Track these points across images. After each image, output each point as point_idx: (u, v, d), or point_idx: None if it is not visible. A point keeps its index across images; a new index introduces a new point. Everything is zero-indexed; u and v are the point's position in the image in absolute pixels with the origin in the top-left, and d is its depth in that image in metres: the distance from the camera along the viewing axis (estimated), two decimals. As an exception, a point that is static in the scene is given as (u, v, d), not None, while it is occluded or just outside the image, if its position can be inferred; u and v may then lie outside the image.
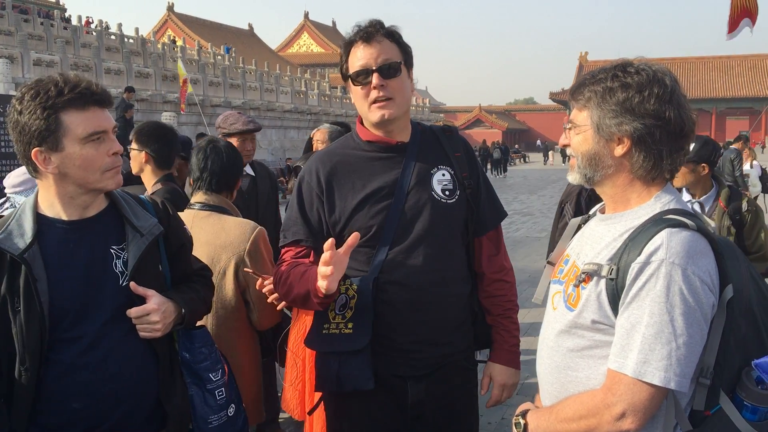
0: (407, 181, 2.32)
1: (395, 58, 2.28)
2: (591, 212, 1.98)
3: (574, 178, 1.84)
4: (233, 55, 46.21)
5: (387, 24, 2.35)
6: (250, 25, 75.04)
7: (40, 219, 1.98)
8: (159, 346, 2.08)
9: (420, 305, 2.30)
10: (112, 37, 34.62)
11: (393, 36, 2.31)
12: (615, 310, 1.64)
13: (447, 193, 2.36)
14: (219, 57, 42.92)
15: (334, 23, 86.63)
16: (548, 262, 2.04)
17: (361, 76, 2.27)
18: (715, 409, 1.60)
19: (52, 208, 2.00)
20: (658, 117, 1.68)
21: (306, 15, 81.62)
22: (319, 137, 5.22)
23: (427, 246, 2.30)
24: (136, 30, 40.10)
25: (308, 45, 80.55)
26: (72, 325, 1.95)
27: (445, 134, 2.48)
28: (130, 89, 18.68)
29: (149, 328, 2.01)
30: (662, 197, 1.73)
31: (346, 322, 2.29)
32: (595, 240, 1.78)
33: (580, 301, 1.70)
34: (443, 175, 2.38)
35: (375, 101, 2.28)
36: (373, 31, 2.27)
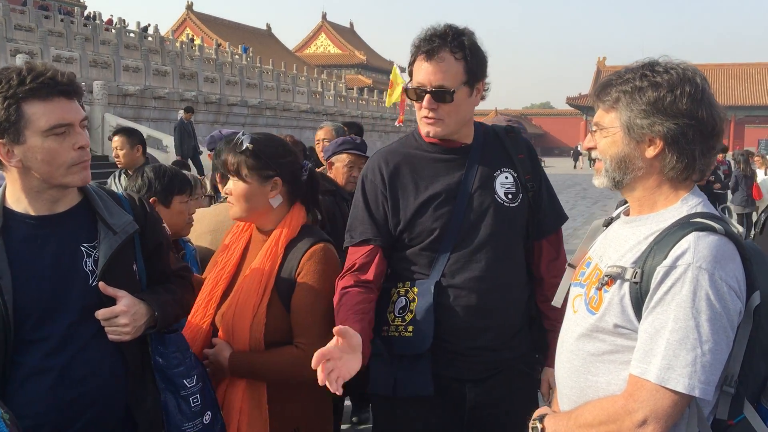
0: (470, 184, 2.29)
1: (452, 82, 2.20)
2: (614, 214, 1.93)
3: (601, 182, 1.79)
4: (251, 54, 46.42)
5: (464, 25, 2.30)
6: (267, 25, 75.37)
7: (6, 213, 1.88)
8: (129, 349, 1.97)
9: (481, 310, 2.27)
10: (131, 35, 34.86)
11: (462, 49, 2.22)
12: (638, 314, 1.60)
13: (510, 196, 2.33)
14: (236, 56, 43.12)
15: (351, 24, 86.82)
16: (569, 265, 1.99)
17: (417, 92, 2.26)
18: (739, 418, 1.56)
19: (19, 202, 1.89)
20: (691, 116, 1.63)
21: (324, 16, 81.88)
22: (324, 135, 5.12)
23: (489, 250, 2.27)
24: (155, 28, 40.36)
25: (325, 46, 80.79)
26: (37, 325, 1.85)
27: (508, 135, 2.44)
28: (189, 110, 18.61)
29: (117, 331, 1.89)
30: (689, 200, 1.69)
31: (405, 325, 2.26)
32: (620, 243, 1.74)
33: (603, 304, 1.66)
34: (506, 177, 2.34)
35: (424, 117, 2.27)
36: (438, 47, 2.20)
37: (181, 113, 17.79)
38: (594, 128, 1.78)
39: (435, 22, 2.28)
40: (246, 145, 2.29)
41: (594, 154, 1.80)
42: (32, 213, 1.88)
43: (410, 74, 2.32)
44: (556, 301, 2.01)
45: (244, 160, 2.29)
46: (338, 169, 4.11)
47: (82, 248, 1.91)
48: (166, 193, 3.01)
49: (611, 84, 1.73)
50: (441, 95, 2.22)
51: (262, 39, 69.60)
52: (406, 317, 2.26)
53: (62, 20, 31.85)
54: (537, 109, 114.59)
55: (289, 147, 2.39)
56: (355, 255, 2.34)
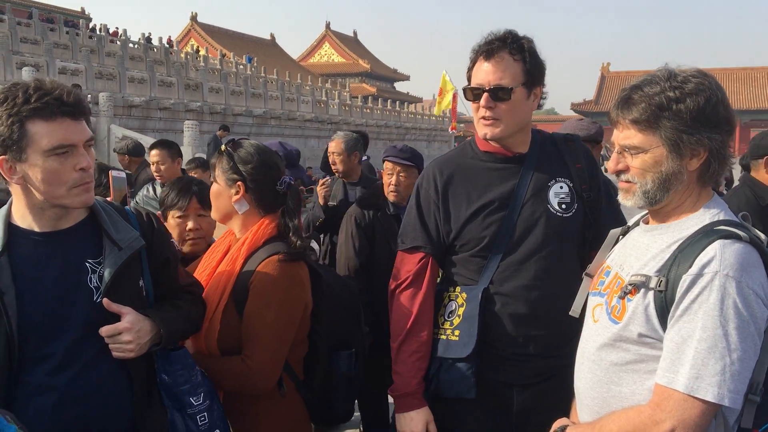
0: (523, 193, 2.31)
1: (510, 81, 2.22)
2: (631, 223, 1.92)
3: (635, 203, 1.74)
4: (255, 64, 46.56)
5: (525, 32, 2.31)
6: (272, 35, 75.57)
7: (12, 229, 1.87)
8: (134, 367, 1.95)
9: (528, 319, 2.27)
10: (136, 46, 35.03)
11: (521, 52, 2.24)
12: (663, 323, 1.59)
13: (564, 206, 2.32)
14: (241, 66, 43.26)
15: (355, 33, 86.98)
16: (586, 274, 1.98)
17: (474, 92, 2.27)
18: (764, 427, 1.56)
19: (24, 219, 1.88)
20: (728, 122, 1.64)
21: (327, 25, 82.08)
22: (335, 149, 5.05)
23: (539, 260, 2.27)
24: (160, 39, 40.53)
25: (329, 55, 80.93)
26: (41, 343, 1.83)
27: (567, 143, 2.44)
28: (224, 128, 18.98)
29: (121, 348, 1.87)
30: (711, 207, 1.67)
31: (453, 329, 2.30)
32: (641, 251, 1.72)
33: (626, 313, 1.65)
34: (561, 187, 2.34)
35: (481, 118, 2.27)
36: (497, 47, 2.23)
37: (218, 132, 18.54)
38: (622, 150, 1.72)
39: (495, 29, 2.30)
40: (223, 146, 2.38)
41: (626, 176, 1.73)
42: (37, 229, 1.87)
43: (468, 79, 2.32)
44: (574, 311, 1.99)
45: (219, 161, 2.37)
46: (384, 178, 4.07)
47: (87, 264, 1.89)
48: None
49: (635, 101, 1.67)
50: (498, 94, 2.22)
51: (267, 49, 69.79)
52: (453, 321, 2.31)
53: (68, 33, 32.03)
54: (542, 115, 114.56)
55: (265, 157, 2.36)
56: (409, 263, 2.40)
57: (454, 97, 19.99)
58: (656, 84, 1.66)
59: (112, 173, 2.26)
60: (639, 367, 1.64)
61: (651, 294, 1.61)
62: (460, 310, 2.30)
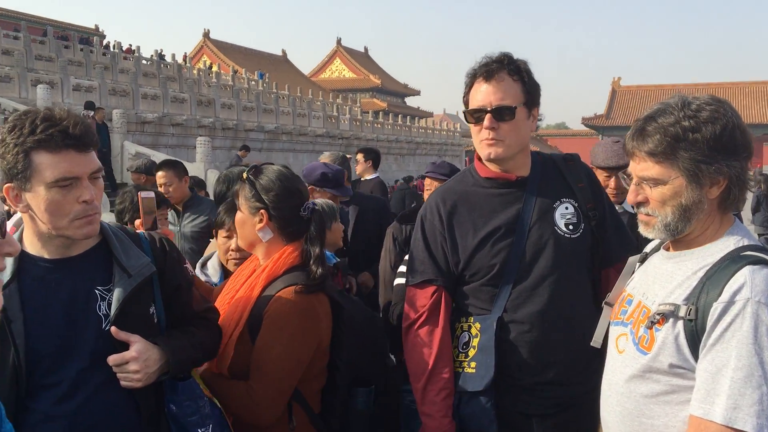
0: (528, 217, 2.27)
1: (512, 100, 2.22)
2: (648, 249, 1.89)
3: (656, 235, 1.72)
4: (267, 80, 46.85)
5: (519, 55, 2.30)
6: (283, 51, 76.09)
7: (22, 256, 1.83)
8: (142, 397, 1.91)
9: (546, 345, 2.23)
10: (149, 62, 35.36)
11: (519, 73, 2.24)
12: (695, 352, 1.56)
13: (571, 227, 2.29)
14: (253, 82, 43.56)
15: (366, 49, 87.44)
16: (605, 303, 1.95)
17: (476, 114, 2.24)
18: None
19: (34, 245, 1.87)
20: (746, 148, 1.62)
21: (338, 41, 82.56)
22: None
23: (552, 284, 2.23)
24: (173, 56, 40.90)
25: (340, 70, 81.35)
26: (49, 370, 1.81)
27: (567, 163, 2.41)
28: (245, 148, 19.28)
29: (129, 378, 1.84)
30: (734, 233, 1.65)
31: (468, 361, 2.25)
32: (665, 279, 1.69)
33: (655, 343, 1.61)
34: (566, 208, 2.31)
35: (484, 139, 2.25)
36: (496, 69, 2.22)
37: (239, 152, 18.81)
38: (640, 181, 1.69)
39: (491, 52, 2.28)
40: (245, 174, 2.34)
41: (645, 209, 1.71)
42: (47, 256, 1.86)
43: (466, 104, 2.30)
44: (595, 342, 1.95)
45: (241, 189, 2.34)
46: (424, 194, 4.09)
47: (96, 291, 1.87)
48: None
49: (649, 133, 1.65)
50: (502, 113, 2.20)
51: (278, 65, 70.25)
52: (468, 353, 2.25)
53: (82, 50, 32.39)
54: (552, 129, 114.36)
55: (288, 184, 2.32)
56: (421, 298, 2.33)
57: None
58: (670, 114, 1.64)
59: (141, 194, 2.26)
60: (671, 398, 1.60)
61: (680, 323, 1.57)
62: (475, 341, 2.25)
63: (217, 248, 3.10)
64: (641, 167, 1.68)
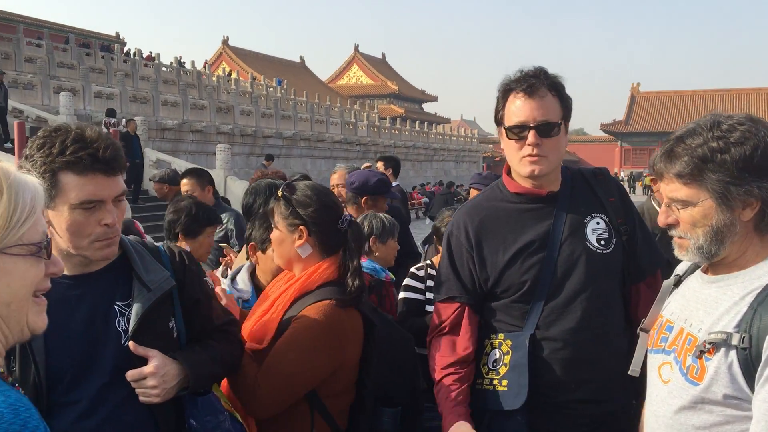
0: (559, 233, 2.23)
1: (555, 116, 2.20)
2: (680, 271, 1.84)
3: (690, 258, 1.68)
4: (285, 87, 47.12)
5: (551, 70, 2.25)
6: (301, 58, 76.61)
7: None
8: (161, 412, 1.88)
9: (579, 363, 2.19)
10: (169, 69, 35.69)
11: (556, 88, 2.22)
12: (750, 382, 1.50)
13: (602, 242, 2.25)
14: (271, 89, 43.82)
15: (383, 55, 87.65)
16: (641, 329, 1.89)
17: (518, 130, 2.20)
18: None
19: None
20: None
21: (356, 47, 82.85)
22: (338, 180, 4.95)
23: (584, 300, 2.19)
24: (192, 63, 41.28)
25: (358, 77, 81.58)
26: (69, 388, 1.78)
27: (597, 178, 2.38)
28: (269, 158, 19.45)
29: (147, 393, 1.82)
30: None
31: (500, 379, 2.22)
32: (709, 304, 1.63)
33: (707, 374, 1.55)
34: (597, 223, 2.28)
35: (527, 155, 2.21)
36: (538, 85, 2.19)
37: (264, 161, 19.28)
38: (669, 203, 1.67)
39: (524, 66, 2.25)
40: (279, 191, 2.33)
41: (675, 232, 1.69)
42: (66, 272, 1.84)
43: (499, 119, 2.27)
44: (633, 371, 1.91)
45: (276, 207, 2.33)
46: None
47: (116, 307, 1.86)
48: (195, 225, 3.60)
49: (678, 154, 1.63)
50: (546, 129, 2.18)
51: (296, 71, 70.62)
52: (500, 370, 2.22)
53: (103, 57, 32.80)
54: (571, 135, 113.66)
55: (324, 198, 2.32)
56: (444, 313, 2.33)
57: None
58: (699, 135, 1.61)
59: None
60: (726, 429, 1.55)
61: (733, 352, 1.51)
62: (506, 359, 2.21)
63: (245, 262, 3.06)
64: (670, 188, 1.65)
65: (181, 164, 20.14)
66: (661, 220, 1.71)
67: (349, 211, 4.18)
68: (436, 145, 47.15)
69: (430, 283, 3.32)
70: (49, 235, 1.79)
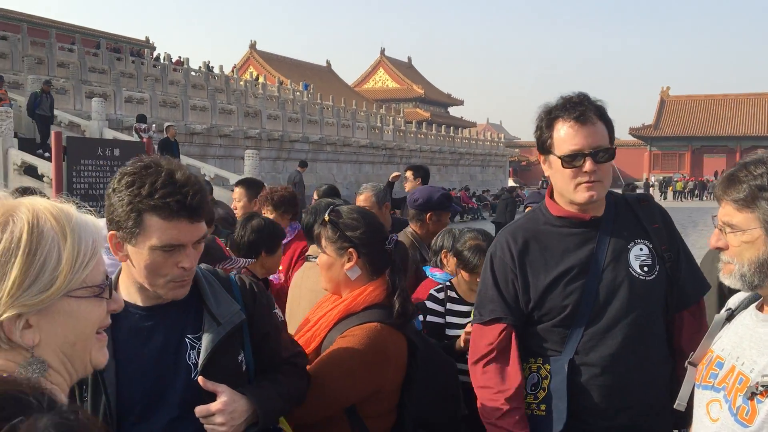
0: (602, 258, 2.23)
1: (606, 141, 2.21)
2: (732, 306, 1.83)
3: (732, 284, 1.68)
4: (311, 91, 47.34)
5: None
6: (327, 62, 76.86)
7: None
8: None
9: (618, 390, 2.18)
10: (197, 74, 36.07)
11: (601, 113, 2.24)
12: None
13: (645, 269, 2.24)
14: (298, 93, 44.06)
15: (409, 59, 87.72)
16: (689, 363, 1.87)
17: (571, 159, 2.19)
18: None
19: (128, 292, 1.86)
20: None
21: (382, 51, 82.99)
22: (365, 202, 4.86)
23: (625, 326, 2.19)
24: (220, 68, 41.66)
25: (384, 80, 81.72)
26: (139, 421, 1.79)
27: (641, 204, 2.38)
28: (303, 164, 20.08)
29: (215, 430, 1.81)
30: None
31: (538, 404, 2.22)
32: (763, 344, 1.62)
33: (758, 416, 1.53)
34: (641, 249, 2.27)
35: (584, 182, 2.20)
36: (587, 112, 2.20)
37: (298, 168, 19.62)
38: (722, 227, 1.67)
39: (565, 93, 2.27)
40: (325, 216, 2.36)
41: (724, 257, 1.69)
42: (140, 303, 1.86)
43: (547, 147, 2.26)
44: (679, 405, 1.89)
45: (323, 231, 2.35)
46: None
47: (187, 340, 1.86)
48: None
49: (738, 179, 1.63)
50: (602, 155, 2.18)
51: (323, 75, 70.94)
52: (538, 395, 2.22)
53: (133, 62, 33.22)
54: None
55: (370, 219, 2.36)
56: (489, 335, 2.30)
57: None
58: (763, 164, 1.61)
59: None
60: None
61: None
62: (545, 383, 2.20)
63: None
64: (724, 212, 1.66)
65: (210, 169, 20.41)
66: (712, 243, 1.71)
67: (413, 227, 4.25)
68: (462, 149, 47.01)
69: (450, 305, 3.27)
70: (126, 267, 1.85)
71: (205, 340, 1.85)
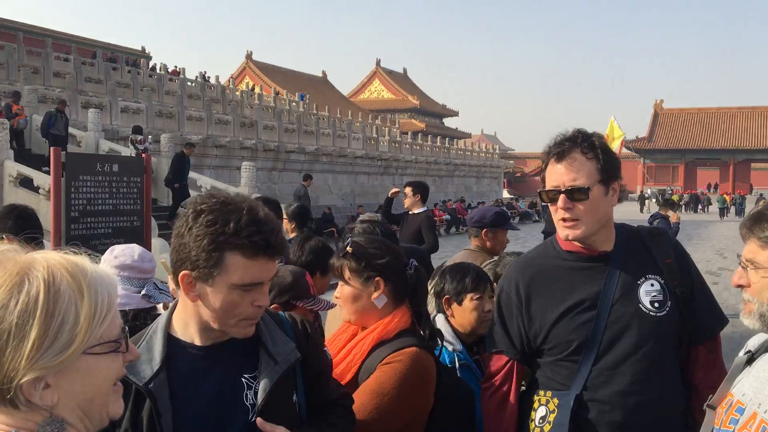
0: (611, 293, 2.21)
1: (585, 180, 2.19)
2: (752, 347, 1.81)
3: (751, 323, 1.67)
4: (307, 101, 47.39)
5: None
6: (323, 72, 76.98)
7: (171, 342, 1.79)
8: None
9: (628, 427, 2.16)
10: (193, 84, 36.07)
11: (593, 150, 2.22)
12: None
13: (656, 305, 2.21)
14: (294, 104, 44.09)
15: (404, 70, 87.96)
16: (708, 406, 1.85)
17: (551, 194, 2.24)
18: None
19: (186, 331, 1.81)
20: None
21: (378, 62, 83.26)
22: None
23: (635, 363, 2.17)
24: (217, 78, 41.68)
25: (379, 91, 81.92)
26: None
27: (654, 238, 2.36)
28: (308, 177, 20.08)
29: None
30: None
31: None
32: None
33: None
34: (652, 285, 2.24)
35: (560, 219, 2.24)
36: (568, 148, 2.21)
37: (303, 182, 19.56)
38: (746, 264, 1.66)
39: (564, 129, 2.30)
40: (347, 249, 2.36)
41: (746, 296, 1.68)
42: (198, 343, 1.81)
43: (543, 180, 2.31)
44: None
45: (347, 264, 2.34)
46: None
47: (243, 380, 1.80)
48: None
49: (765, 217, 1.63)
50: (575, 193, 2.19)
51: (318, 86, 71.05)
52: (544, 428, 2.21)
53: (129, 72, 33.23)
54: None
55: (391, 247, 2.40)
56: (496, 363, 2.40)
57: (621, 143, 20.57)
58: None
59: None
60: None
61: None
62: (551, 417, 2.21)
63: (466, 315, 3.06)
64: (748, 249, 1.65)
65: (206, 180, 20.35)
66: (734, 281, 1.71)
67: (474, 243, 4.72)
68: (457, 160, 47.08)
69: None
70: (190, 306, 1.78)
71: (263, 380, 1.79)
